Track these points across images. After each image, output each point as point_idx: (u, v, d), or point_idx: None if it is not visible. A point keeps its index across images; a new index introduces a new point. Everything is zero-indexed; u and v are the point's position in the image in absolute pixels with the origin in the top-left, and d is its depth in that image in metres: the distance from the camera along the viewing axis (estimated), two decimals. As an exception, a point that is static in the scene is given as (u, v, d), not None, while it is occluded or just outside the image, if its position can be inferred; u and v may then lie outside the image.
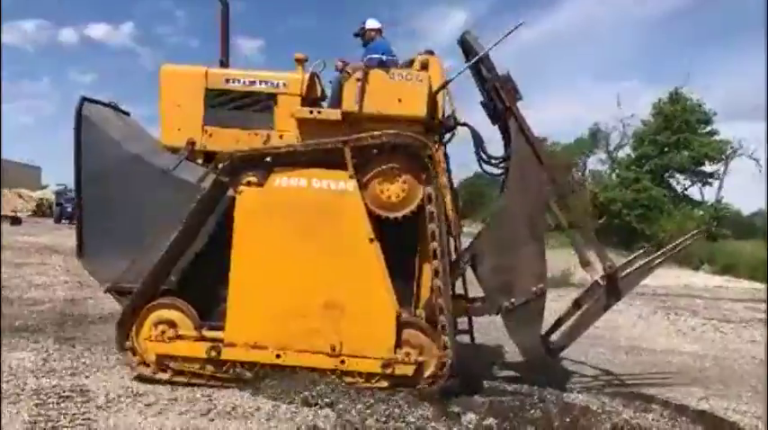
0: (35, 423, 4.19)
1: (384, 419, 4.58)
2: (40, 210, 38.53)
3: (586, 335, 9.10)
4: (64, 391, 4.89)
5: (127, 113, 6.44)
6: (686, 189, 40.91)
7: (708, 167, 39.60)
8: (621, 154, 44.39)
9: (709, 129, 39.09)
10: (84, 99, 5.82)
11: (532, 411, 5.03)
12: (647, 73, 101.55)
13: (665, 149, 38.89)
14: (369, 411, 4.68)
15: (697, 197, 40.53)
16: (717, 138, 38.75)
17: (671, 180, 40.44)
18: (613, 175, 43.28)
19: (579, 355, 7.67)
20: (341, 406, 4.72)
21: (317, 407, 4.72)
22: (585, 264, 5.76)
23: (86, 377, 5.31)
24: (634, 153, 41.71)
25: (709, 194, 40.29)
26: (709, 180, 40.05)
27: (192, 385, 5.16)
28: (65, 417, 4.33)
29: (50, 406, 4.56)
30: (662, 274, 20.99)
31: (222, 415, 4.56)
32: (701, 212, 37.14)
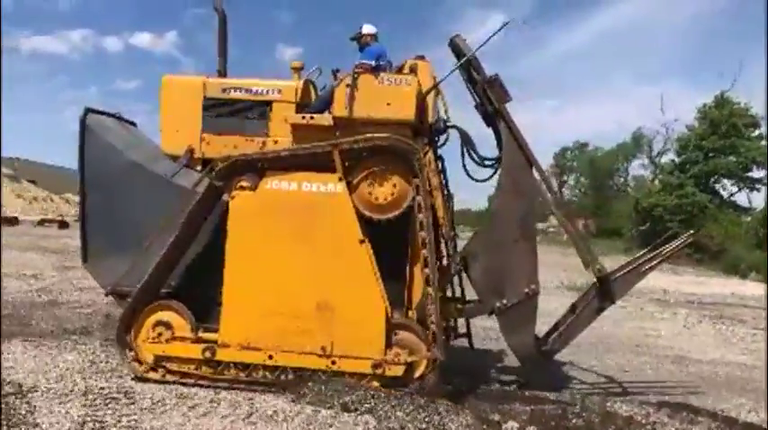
0: (84, 423, 4.30)
1: (424, 426, 4.56)
2: (87, 215, 39.50)
3: (630, 344, 9.01)
4: (110, 393, 5.01)
5: (133, 124, 6.64)
6: (732, 195, 39.94)
7: (756, 173, 38.58)
8: (665, 159, 43.59)
9: (757, 133, 38.06)
10: (88, 110, 6.03)
11: (574, 420, 4.95)
12: (691, 76, 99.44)
13: (711, 154, 37.97)
14: (408, 418, 4.66)
15: (744, 203, 39.51)
16: (765, 142, 37.67)
17: (716, 186, 39.50)
18: (656, 181, 42.46)
19: (623, 364, 7.55)
20: (381, 412, 4.72)
21: (357, 412, 4.73)
22: (587, 265, 5.68)
23: (132, 379, 5.42)
24: (678, 158, 40.86)
25: (757, 200, 39.23)
26: (757, 186, 39.00)
27: (234, 389, 5.24)
28: (112, 418, 4.43)
29: (98, 406, 4.67)
30: (708, 283, 20.54)
31: (263, 418, 4.61)
32: (749, 218, 36.14)
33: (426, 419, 4.67)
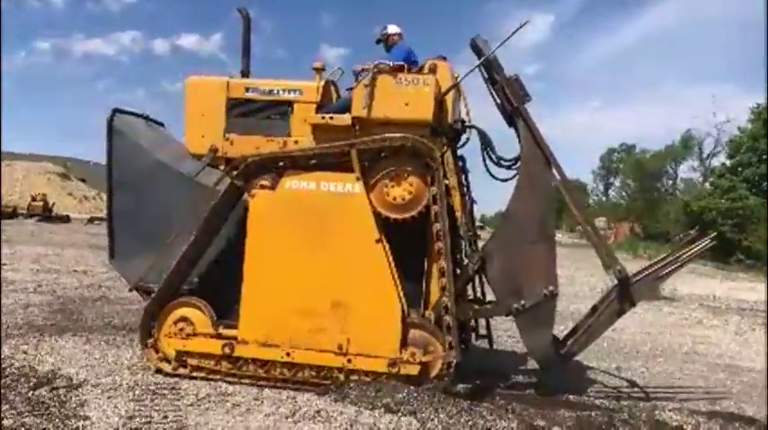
0: (131, 417, 4.40)
1: (467, 430, 4.51)
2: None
3: (680, 352, 8.76)
4: (157, 388, 5.12)
5: (161, 124, 6.75)
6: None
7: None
8: (715, 161, 42.40)
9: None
10: (116, 110, 6.17)
11: (621, 428, 4.83)
12: (744, 76, 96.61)
13: (765, 156, 36.75)
14: (451, 421, 4.62)
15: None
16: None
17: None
18: (706, 184, 41.33)
19: (673, 372, 7.34)
20: (423, 414, 4.68)
21: (400, 414, 4.70)
22: (607, 267, 5.54)
23: (177, 375, 5.51)
24: (729, 161, 39.66)
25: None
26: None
27: (278, 388, 5.28)
28: (158, 414, 4.52)
29: (145, 401, 4.77)
30: (761, 289, 19.80)
31: (306, 417, 4.62)
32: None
33: (470, 423, 4.62)
